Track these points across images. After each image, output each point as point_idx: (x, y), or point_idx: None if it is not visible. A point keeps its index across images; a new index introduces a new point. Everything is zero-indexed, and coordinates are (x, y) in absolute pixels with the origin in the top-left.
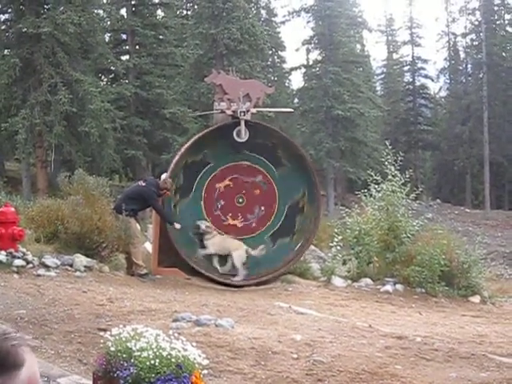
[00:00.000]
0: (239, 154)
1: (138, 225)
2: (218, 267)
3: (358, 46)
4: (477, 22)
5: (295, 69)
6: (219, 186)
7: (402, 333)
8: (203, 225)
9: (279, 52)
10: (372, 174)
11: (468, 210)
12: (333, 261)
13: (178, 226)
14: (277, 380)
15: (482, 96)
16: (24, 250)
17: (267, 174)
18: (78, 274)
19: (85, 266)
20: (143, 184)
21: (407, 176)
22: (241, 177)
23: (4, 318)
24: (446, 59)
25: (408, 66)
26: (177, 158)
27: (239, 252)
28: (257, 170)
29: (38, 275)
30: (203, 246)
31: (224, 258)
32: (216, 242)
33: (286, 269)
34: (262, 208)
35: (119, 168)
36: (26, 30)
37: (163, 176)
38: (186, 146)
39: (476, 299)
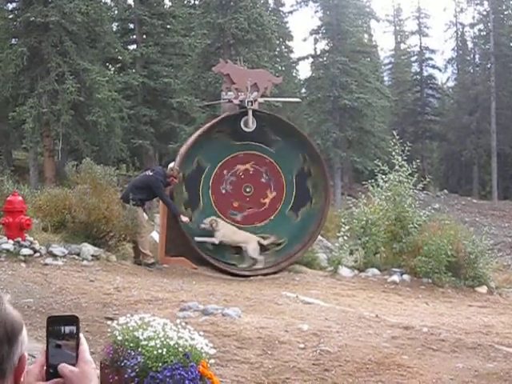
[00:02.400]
0: (232, 147)
1: (145, 214)
2: (237, 264)
3: (366, 36)
4: (485, 12)
5: (303, 59)
6: (223, 186)
7: (408, 323)
8: (206, 225)
9: (287, 42)
10: (379, 164)
11: (475, 201)
12: (340, 251)
13: (184, 218)
14: (283, 369)
15: (489, 86)
16: (31, 239)
17: (264, 156)
18: (85, 263)
19: (92, 255)
20: (150, 173)
21: (414, 166)
22: (240, 167)
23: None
24: (453, 49)
25: (416, 56)
26: (184, 149)
27: (252, 245)
28: (253, 156)
29: (46, 264)
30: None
31: (235, 250)
32: (227, 232)
33: (312, 242)
34: (272, 187)
35: (126, 157)
36: (33, 19)
37: (170, 165)
38: (180, 156)
39: (483, 290)
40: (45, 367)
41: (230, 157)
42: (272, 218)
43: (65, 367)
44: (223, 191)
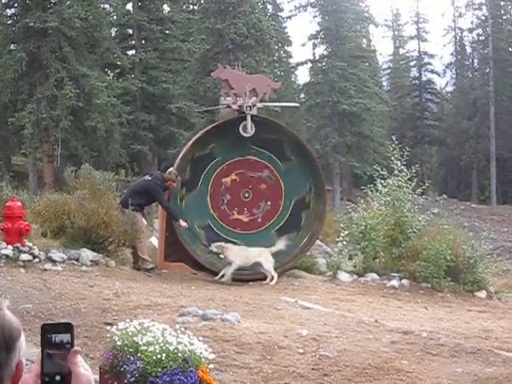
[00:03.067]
0: (246, 148)
1: (144, 219)
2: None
3: (365, 41)
4: (483, 17)
5: (301, 64)
6: (225, 181)
7: (407, 328)
8: (214, 248)
9: (285, 47)
10: (378, 169)
11: (474, 206)
12: (339, 256)
13: (183, 223)
14: (283, 374)
15: (488, 91)
16: (30, 244)
17: (273, 169)
18: (84, 268)
19: (91, 261)
20: (149, 178)
21: (413, 171)
22: (247, 171)
23: (11, 312)
24: (452, 54)
25: (414, 61)
26: (183, 151)
27: (266, 256)
28: (263, 165)
29: (45, 270)
30: (229, 263)
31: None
32: (238, 254)
33: (293, 264)
34: (269, 203)
35: (125, 163)
36: (32, 24)
37: (169, 169)
38: (193, 140)
39: (482, 294)
40: (40, 376)
41: (242, 158)
42: (255, 231)
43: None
44: (222, 187)
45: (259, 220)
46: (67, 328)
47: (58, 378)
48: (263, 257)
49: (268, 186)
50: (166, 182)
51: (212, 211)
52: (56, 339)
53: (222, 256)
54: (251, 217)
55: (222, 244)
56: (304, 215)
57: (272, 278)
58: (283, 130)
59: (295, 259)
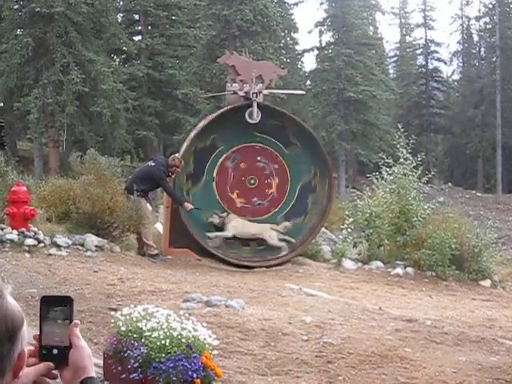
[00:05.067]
0: (250, 135)
1: (148, 205)
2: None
3: (371, 29)
4: (491, 5)
5: (308, 51)
6: (230, 168)
7: (412, 316)
8: (215, 218)
9: (292, 34)
10: (384, 156)
11: (479, 194)
12: (343, 243)
13: (189, 206)
14: (286, 361)
15: (494, 80)
16: (35, 229)
17: (278, 155)
18: (89, 253)
19: (96, 246)
20: (152, 164)
21: (419, 159)
22: (251, 158)
23: (15, 296)
24: (459, 42)
25: (421, 49)
26: (186, 143)
27: (268, 233)
28: (268, 151)
29: (50, 254)
30: (225, 230)
31: (245, 243)
32: (236, 225)
33: (300, 250)
34: (275, 189)
35: (131, 148)
36: (38, 9)
37: (173, 156)
38: (197, 129)
39: (486, 283)
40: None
41: (245, 144)
42: (262, 217)
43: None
44: (227, 174)
45: (266, 206)
46: (67, 301)
47: (55, 351)
48: (266, 233)
49: (273, 172)
50: (170, 167)
51: (220, 200)
52: (55, 312)
53: (219, 223)
54: (258, 203)
55: (224, 214)
56: (310, 200)
57: (281, 250)
58: (287, 117)
59: (303, 245)
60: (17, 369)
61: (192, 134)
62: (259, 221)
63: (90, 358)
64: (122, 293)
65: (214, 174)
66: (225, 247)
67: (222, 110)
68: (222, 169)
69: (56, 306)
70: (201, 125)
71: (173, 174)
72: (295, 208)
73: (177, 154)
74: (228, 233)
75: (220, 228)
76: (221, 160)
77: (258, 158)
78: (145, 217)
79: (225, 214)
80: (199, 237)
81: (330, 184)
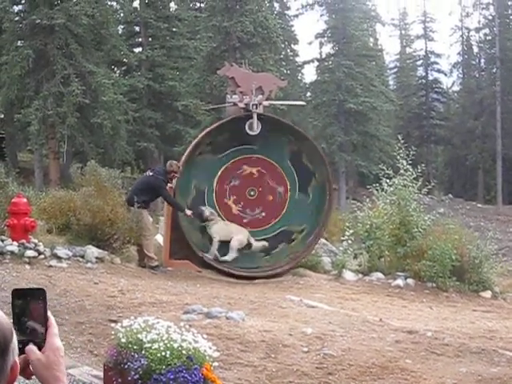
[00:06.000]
0: (250, 147)
1: (149, 217)
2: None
3: (371, 40)
4: (490, 17)
5: (308, 62)
6: (231, 179)
7: (412, 327)
8: (207, 211)
9: (292, 45)
10: (384, 168)
11: (480, 205)
12: (344, 254)
13: (189, 212)
14: (287, 373)
15: (495, 91)
16: (36, 240)
17: (278, 166)
18: (89, 265)
19: (96, 258)
20: (150, 174)
21: (419, 170)
22: (252, 169)
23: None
24: (459, 54)
25: (421, 60)
26: (189, 150)
27: (239, 236)
28: (268, 163)
29: (50, 266)
30: (210, 237)
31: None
32: (220, 228)
33: (297, 262)
34: (274, 200)
35: (131, 160)
36: (39, 21)
37: (170, 162)
38: (198, 137)
39: (487, 294)
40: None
41: (245, 156)
42: (284, 210)
43: (32, 352)
44: (227, 185)
45: (264, 217)
46: (40, 294)
47: (31, 345)
48: (238, 235)
49: (272, 184)
50: (169, 173)
51: (218, 208)
52: (32, 305)
53: (206, 223)
54: (256, 215)
55: (215, 213)
56: (306, 161)
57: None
58: (289, 128)
59: (300, 257)
60: (10, 381)
61: (193, 143)
62: (258, 232)
63: (55, 369)
64: (122, 304)
65: (214, 184)
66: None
67: (224, 120)
68: (222, 179)
69: (27, 300)
70: (202, 134)
71: (172, 180)
72: (301, 176)
73: (174, 161)
74: (215, 242)
75: (204, 228)
76: (221, 170)
77: (259, 170)
78: (146, 228)
79: (218, 217)
80: (198, 249)
81: (329, 196)
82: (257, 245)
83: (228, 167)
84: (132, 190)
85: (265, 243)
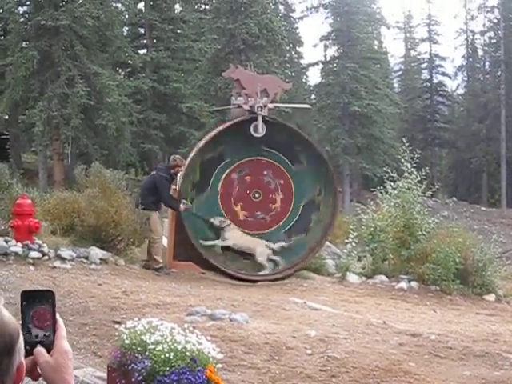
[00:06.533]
0: (256, 149)
1: (160, 219)
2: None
3: (376, 43)
4: (495, 20)
5: (313, 65)
6: (235, 182)
7: (416, 330)
8: (216, 221)
9: (297, 48)
10: (388, 170)
11: (484, 209)
12: (348, 257)
13: (183, 206)
14: (290, 375)
15: (499, 94)
16: (40, 242)
17: (284, 170)
18: (93, 266)
19: (100, 259)
20: (153, 172)
21: (423, 173)
22: (257, 172)
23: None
24: (463, 57)
25: (426, 63)
26: (193, 153)
27: (260, 249)
28: (274, 166)
29: (54, 267)
30: (222, 239)
31: (239, 255)
32: (236, 236)
33: (302, 265)
34: (278, 204)
35: (135, 162)
36: (44, 22)
37: (173, 157)
38: (203, 141)
39: (491, 298)
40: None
41: (252, 158)
42: (264, 232)
43: (40, 355)
44: (232, 187)
45: (268, 221)
46: (49, 296)
47: (39, 347)
48: (258, 250)
49: (278, 187)
50: (173, 168)
51: (223, 212)
52: (41, 307)
53: (217, 227)
54: (261, 217)
55: (226, 220)
56: (313, 217)
57: (262, 268)
58: (293, 132)
59: (305, 260)
60: (16, 381)
61: (200, 144)
62: (261, 235)
63: (63, 372)
64: (126, 306)
65: (219, 187)
66: (225, 259)
67: (231, 122)
68: (227, 181)
69: (37, 302)
70: (210, 135)
71: (176, 174)
72: (298, 225)
73: (177, 156)
74: (228, 242)
75: (216, 233)
76: (226, 172)
77: (264, 173)
78: (156, 232)
79: (228, 221)
80: (201, 248)
81: (334, 202)
82: (277, 247)
83: (233, 169)
84: (139, 192)
85: (283, 244)
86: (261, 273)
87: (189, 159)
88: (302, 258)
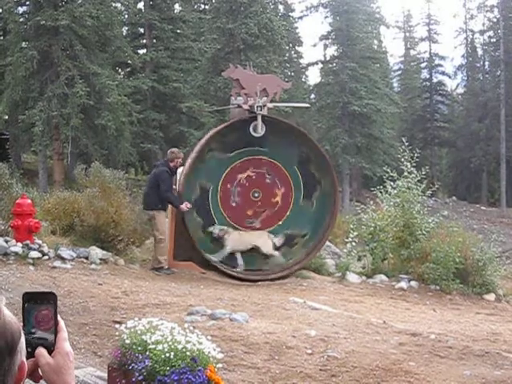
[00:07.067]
0: (255, 148)
1: (166, 219)
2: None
3: (376, 42)
4: (495, 19)
5: (312, 64)
6: (235, 181)
7: (416, 330)
8: (216, 230)
9: (296, 47)
10: (388, 170)
11: (484, 208)
12: (348, 257)
13: (184, 207)
14: (290, 375)
15: (499, 93)
16: (40, 241)
17: (283, 169)
18: (93, 266)
19: (100, 259)
20: (155, 170)
21: (423, 173)
22: (256, 171)
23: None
24: (463, 56)
25: (425, 63)
26: (194, 153)
27: (263, 240)
28: (274, 164)
29: (54, 267)
30: (222, 246)
31: (248, 253)
32: (233, 238)
33: (303, 264)
34: (279, 184)
35: (135, 161)
36: (44, 22)
37: (170, 150)
38: (203, 140)
39: (491, 297)
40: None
41: (251, 157)
42: (288, 213)
43: (41, 357)
44: (233, 204)
45: (269, 218)
46: (50, 298)
47: (40, 349)
48: (261, 240)
49: (277, 185)
50: (172, 161)
51: (222, 210)
52: (42, 308)
53: (219, 238)
54: (261, 216)
55: (226, 229)
56: (313, 169)
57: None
58: (294, 131)
59: (306, 259)
60: (18, 381)
61: (200, 143)
62: (285, 221)
63: (64, 374)
64: (126, 306)
65: (219, 186)
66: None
67: (231, 121)
68: (226, 181)
69: (38, 304)
70: (209, 134)
71: (177, 167)
72: (307, 183)
73: (174, 148)
74: (227, 248)
75: (217, 244)
76: (226, 172)
77: (264, 171)
78: (162, 232)
79: (225, 227)
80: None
81: (334, 201)
82: (277, 241)
83: (234, 168)
84: (144, 192)
85: (281, 237)
86: (274, 263)
87: (189, 160)
88: (301, 258)
